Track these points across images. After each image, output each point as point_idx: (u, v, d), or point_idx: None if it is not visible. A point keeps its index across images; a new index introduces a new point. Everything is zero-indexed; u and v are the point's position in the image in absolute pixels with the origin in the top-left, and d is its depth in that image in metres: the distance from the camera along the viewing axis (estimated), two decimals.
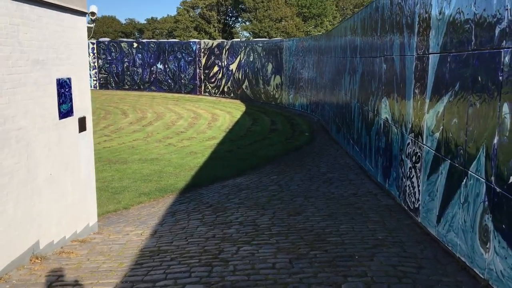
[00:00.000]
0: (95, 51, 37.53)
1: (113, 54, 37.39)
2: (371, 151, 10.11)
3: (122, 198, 10.01)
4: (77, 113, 7.01)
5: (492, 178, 4.37)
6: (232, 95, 33.06)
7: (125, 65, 37.22)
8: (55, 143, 6.31)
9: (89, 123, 7.43)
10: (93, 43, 37.71)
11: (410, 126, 7.12)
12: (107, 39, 40.94)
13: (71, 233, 6.89)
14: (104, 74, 37.82)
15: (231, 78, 33.00)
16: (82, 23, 7.09)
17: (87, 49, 7.29)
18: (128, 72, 37.22)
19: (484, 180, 4.56)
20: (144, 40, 39.46)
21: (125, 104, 29.80)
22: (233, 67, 32.76)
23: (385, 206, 7.96)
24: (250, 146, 16.31)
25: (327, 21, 50.97)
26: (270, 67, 29.66)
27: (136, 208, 9.47)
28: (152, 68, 36.57)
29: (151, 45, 36.76)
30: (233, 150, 15.61)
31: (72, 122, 6.83)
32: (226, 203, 8.94)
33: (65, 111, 6.61)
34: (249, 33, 50.69)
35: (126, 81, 37.49)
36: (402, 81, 7.65)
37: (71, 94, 6.75)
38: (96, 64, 37.74)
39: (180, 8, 51.86)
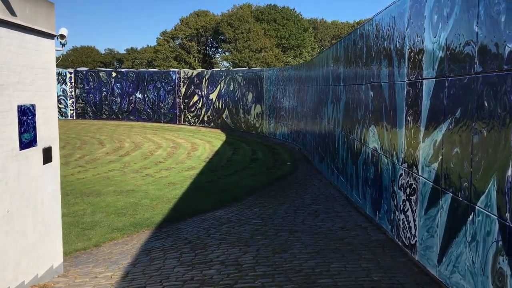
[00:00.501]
0: (72, 81, 36.76)
1: (91, 83, 36.67)
2: (358, 182, 9.61)
3: (93, 235, 9.21)
4: (42, 143, 6.33)
5: (507, 215, 3.86)
6: (212, 124, 32.55)
7: (103, 94, 36.50)
8: (14, 176, 5.60)
9: (55, 154, 6.74)
10: (70, 73, 37.00)
11: (403, 155, 6.64)
12: (85, 68, 40.26)
13: (32, 277, 6.10)
14: (82, 103, 36.97)
15: (211, 107, 32.56)
16: (49, 46, 6.49)
17: (54, 74, 6.68)
18: (106, 102, 36.48)
19: (496, 217, 4.04)
20: (123, 70, 38.89)
21: (102, 133, 28.94)
22: (213, 96, 32.38)
23: (376, 241, 7.39)
24: (230, 177, 15.68)
25: (305, 52, 51.47)
26: (250, 96, 29.35)
27: (108, 245, 8.69)
28: (131, 98, 35.92)
29: (130, 74, 36.21)
30: (213, 181, 14.95)
31: (35, 153, 6.14)
32: (206, 239, 8.25)
33: (27, 140, 5.92)
34: (229, 63, 50.74)
35: (104, 110, 36.70)
36: (392, 108, 7.22)
37: (34, 122, 6.09)
38: (73, 93, 36.91)
39: (160, 38, 51.72)
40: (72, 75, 36.81)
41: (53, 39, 6.61)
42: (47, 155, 6.44)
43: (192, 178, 15.41)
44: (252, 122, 29.29)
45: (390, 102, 7.33)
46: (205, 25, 49.83)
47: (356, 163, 9.86)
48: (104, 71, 37.70)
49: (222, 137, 27.84)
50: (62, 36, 6.66)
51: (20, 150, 5.75)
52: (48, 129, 6.48)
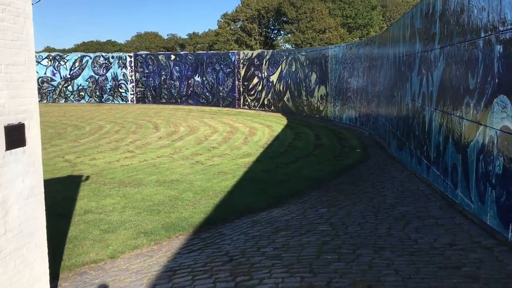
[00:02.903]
0: (132, 64, 35.63)
1: (150, 67, 35.34)
2: (469, 178, 6.73)
3: (113, 240, 7.06)
4: (3, 118, 4.12)
5: None
6: (272, 108, 30.08)
7: (162, 78, 35.07)
8: None
9: (32, 135, 4.53)
10: (130, 56, 35.89)
11: None
12: (145, 52, 39.11)
13: None
14: (141, 87, 35.79)
15: (272, 90, 30.05)
16: None
17: (29, 14, 4.44)
18: (165, 85, 35.02)
19: None
20: (182, 52, 37.29)
21: (159, 117, 27.41)
22: (273, 78, 29.83)
23: None
24: (291, 165, 13.16)
25: (373, 31, 47.48)
26: (314, 77, 26.49)
27: (128, 257, 6.49)
28: (189, 81, 34.20)
29: (189, 57, 34.45)
30: (271, 170, 12.50)
31: None
32: (254, 255, 5.81)
33: None
34: (291, 45, 47.85)
35: (163, 94, 35.29)
36: None
37: None
38: (133, 77, 35.80)
39: (220, 21, 49.73)
40: (132, 59, 35.67)
41: None
42: (14, 136, 4.23)
43: (247, 167, 13.06)
44: (316, 105, 26.47)
45: None
46: (267, 6, 47.14)
47: (464, 150, 6.98)
48: (163, 54, 36.23)
49: (283, 121, 25.35)
50: None
51: None
52: (15, 98, 4.27)
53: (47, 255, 4.78)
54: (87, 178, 12.10)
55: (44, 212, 4.74)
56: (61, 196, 9.86)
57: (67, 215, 8.42)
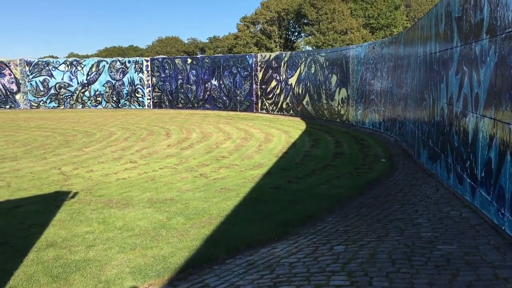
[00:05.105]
0: (149, 69, 34.23)
1: (167, 71, 33.86)
2: None
3: None
4: None
5: None
6: (291, 112, 28.12)
7: (179, 82, 33.52)
8: None
9: None
10: (147, 60, 34.50)
11: None
12: (162, 56, 37.71)
13: None
14: (158, 92, 34.34)
15: (290, 93, 28.08)
16: None
17: None
18: (182, 90, 33.46)
19: None
20: (198, 56, 35.70)
21: (173, 123, 25.82)
22: (292, 81, 27.86)
23: None
24: (305, 179, 11.22)
25: (396, 32, 44.90)
26: (334, 79, 24.42)
27: None
28: (206, 85, 32.55)
29: (206, 60, 32.80)
30: (282, 186, 10.59)
31: None
32: None
33: None
34: (312, 47, 45.73)
35: (180, 99, 33.75)
36: None
37: None
38: (150, 82, 34.39)
39: (240, 24, 47.98)
40: (149, 63, 34.27)
41: None
42: None
43: (255, 181, 11.18)
44: (336, 109, 24.39)
45: None
46: (287, 7, 45.15)
47: None
48: (180, 58, 34.66)
49: (302, 126, 23.38)
50: None
51: None
52: None
53: None
54: (74, 195, 10.45)
55: None
56: (30, 222, 8.19)
57: (24, 250, 6.72)
